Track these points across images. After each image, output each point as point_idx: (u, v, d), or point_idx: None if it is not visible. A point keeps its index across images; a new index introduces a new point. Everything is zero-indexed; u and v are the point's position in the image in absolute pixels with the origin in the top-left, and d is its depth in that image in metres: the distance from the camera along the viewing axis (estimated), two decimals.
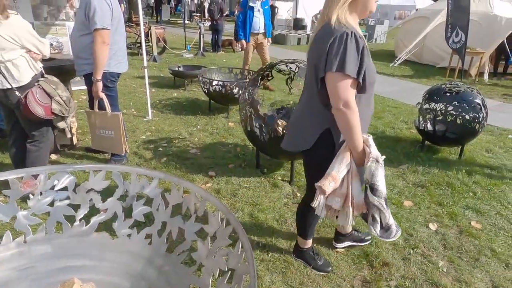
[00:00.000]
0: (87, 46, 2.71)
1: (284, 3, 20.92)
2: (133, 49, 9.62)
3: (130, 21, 15.72)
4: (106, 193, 1.67)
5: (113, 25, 2.76)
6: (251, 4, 5.97)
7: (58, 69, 3.20)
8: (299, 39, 14.56)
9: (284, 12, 21.05)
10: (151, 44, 8.99)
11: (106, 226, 1.75)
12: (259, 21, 6.11)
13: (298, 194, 2.91)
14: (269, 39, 6.49)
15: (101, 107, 2.90)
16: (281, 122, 3.15)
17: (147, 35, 9.25)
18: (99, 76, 2.73)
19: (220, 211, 1.37)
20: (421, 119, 3.98)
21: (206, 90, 4.71)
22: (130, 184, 1.64)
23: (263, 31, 6.25)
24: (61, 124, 2.43)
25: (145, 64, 4.47)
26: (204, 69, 5.17)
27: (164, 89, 6.22)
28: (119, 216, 1.64)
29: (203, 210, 1.47)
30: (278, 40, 14.56)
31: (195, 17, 19.28)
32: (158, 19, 20.78)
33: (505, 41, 8.51)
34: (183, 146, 3.81)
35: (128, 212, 1.64)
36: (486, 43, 8.76)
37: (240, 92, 4.57)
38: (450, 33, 8.67)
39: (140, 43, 9.70)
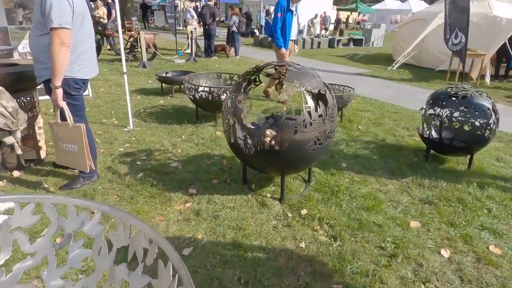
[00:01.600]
0: (46, 48, 2.36)
1: None
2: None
3: (124, 27, 15.46)
4: (35, 231, 1.31)
5: (75, 24, 2.41)
6: (292, 8, 5.27)
7: (20, 75, 2.85)
8: None
9: None
10: (140, 50, 8.66)
11: (34, 274, 1.38)
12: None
13: (289, 215, 2.55)
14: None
15: (64, 117, 2.54)
16: (270, 132, 2.80)
17: (136, 40, 8.94)
18: (58, 82, 2.38)
19: (172, 261, 1.01)
20: (425, 126, 3.64)
21: (191, 97, 4.36)
22: (66, 220, 1.28)
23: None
24: (9, 140, 2.08)
25: (125, 70, 4.13)
26: (190, 74, 4.84)
27: (150, 96, 5.87)
28: (50, 262, 1.28)
29: (153, 257, 1.11)
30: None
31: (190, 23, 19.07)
32: (146, 25, 21.06)
33: (507, 42, 8.23)
34: (164, 159, 3.45)
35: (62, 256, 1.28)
36: (487, 45, 8.48)
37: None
38: (449, 34, 8.39)
39: (130, 48, 9.45)
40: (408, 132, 4.54)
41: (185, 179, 3.04)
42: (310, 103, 2.35)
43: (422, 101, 6.83)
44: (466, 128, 3.32)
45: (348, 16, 31.16)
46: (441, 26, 9.41)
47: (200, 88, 4.21)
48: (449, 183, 3.10)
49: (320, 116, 2.40)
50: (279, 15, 5.28)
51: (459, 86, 3.46)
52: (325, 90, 2.47)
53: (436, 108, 3.44)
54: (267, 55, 12.18)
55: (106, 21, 10.89)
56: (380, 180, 3.16)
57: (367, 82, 8.03)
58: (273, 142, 2.39)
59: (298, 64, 2.59)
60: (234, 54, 11.21)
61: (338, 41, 16.33)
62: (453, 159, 3.64)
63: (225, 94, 4.20)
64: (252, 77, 2.86)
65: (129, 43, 9.26)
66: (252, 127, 2.56)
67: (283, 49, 5.40)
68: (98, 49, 8.75)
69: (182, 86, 6.12)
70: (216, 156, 3.58)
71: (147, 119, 4.68)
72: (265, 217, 2.51)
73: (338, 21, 18.97)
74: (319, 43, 15.50)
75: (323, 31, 19.30)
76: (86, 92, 5.73)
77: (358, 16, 31.72)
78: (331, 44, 16.06)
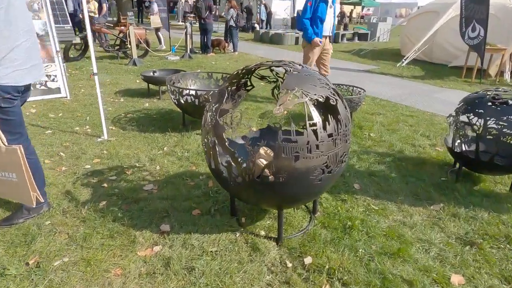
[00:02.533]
0: None
1: (281, 1, 20.00)
2: (112, 52, 8.67)
3: (119, 22, 14.81)
4: None
5: None
6: None
7: None
8: (297, 38, 13.61)
9: (281, 11, 20.13)
10: (130, 46, 8.03)
11: None
12: (330, 20, 4.73)
13: (289, 265, 1.93)
14: (331, 45, 5.02)
15: None
16: (264, 151, 2.18)
17: (126, 36, 8.31)
18: None
19: None
20: (455, 137, 3.00)
21: (175, 101, 3.74)
22: None
23: (330, 34, 4.89)
24: None
25: (95, 70, 3.50)
26: (176, 74, 4.21)
27: (135, 98, 5.25)
28: None
29: None
30: (275, 40, 13.61)
31: (188, 17, 18.39)
32: (140, 19, 20.48)
33: None
34: (137, 180, 2.84)
35: None
36: (506, 39, 7.78)
37: None
38: (465, 27, 7.69)
39: (120, 45, 8.82)
40: (429, 140, 3.90)
41: (159, 209, 2.42)
42: (316, 118, 1.72)
43: (439, 102, 6.22)
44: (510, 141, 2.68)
45: (352, 10, 30.31)
46: (454, 19, 8.72)
47: (185, 91, 3.58)
48: (491, 213, 2.47)
49: (330, 136, 1.77)
50: (309, 4, 4.55)
51: (500, 89, 2.81)
52: (336, 100, 1.84)
53: (470, 116, 2.80)
54: (268, 50, 11.52)
55: (97, 15, 10.26)
56: (402, 208, 2.53)
57: (376, 80, 7.36)
58: (266, 171, 1.76)
59: (300, 65, 1.95)
60: (232, 50, 10.56)
61: (343, 35, 15.60)
62: (487, 177, 3.00)
63: None
64: (242, 81, 2.24)
65: (118, 39, 8.62)
66: (236, 151, 1.94)
67: (316, 39, 4.57)
68: (86, 46, 8.13)
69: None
70: (201, 174, 2.96)
71: (127, 126, 4.06)
72: (256, 269, 1.89)
73: (342, 15, 18.20)
74: None
75: None
76: (63, 94, 5.15)
77: (362, 10, 30.86)
78: (335, 38, 15.33)
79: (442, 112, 5.05)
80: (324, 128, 1.76)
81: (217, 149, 1.86)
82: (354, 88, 4.44)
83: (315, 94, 1.76)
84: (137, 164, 3.13)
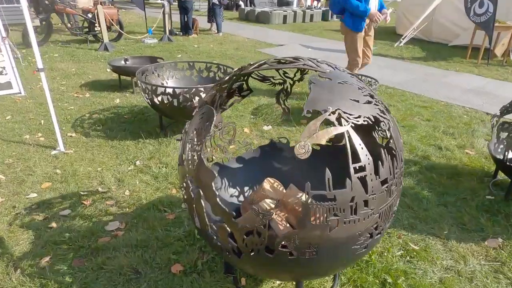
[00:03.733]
0: None
1: None
2: (81, 35, 7.67)
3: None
4: None
5: None
6: None
7: None
8: (284, 16, 12.72)
9: None
10: (99, 29, 7.07)
11: None
12: (374, 1, 3.75)
13: None
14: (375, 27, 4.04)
15: None
16: (269, 184, 1.52)
17: (95, 17, 7.31)
18: None
19: None
20: (502, 143, 2.39)
21: (149, 101, 2.99)
22: None
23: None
24: None
25: (40, 65, 2.70)
26: (148, 66, 3.43)
27: (104, 92, 4.44)
28: None
29: None
30: (261, 19, 12.68)
31: None
32: None
33: None
34: (98, 214, 2.14)
35: None
36: None
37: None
38: (471, 3, 7.02)
39: (89, 27, 7.82)
40: (454, 140, 3.29)
41: (124, 266, 1.74)
42: (365, 158, 1.05)
43: (451, 88, 5.53)
44: None
45: None
46: None
47: (159, 90, 2.83)
48: None
49: (383, 182, 1.11)
50: None
51: None
52: (388, 122, 1.17)
53: None
54: (256, 30, 10.64)
55: None
56: (450, 246, 1.93)
57: (375, 63, 6.67)
58: (284, 242, 1.09)
59: (325, 63, 1.27)
60: (216, 31, 9.65)
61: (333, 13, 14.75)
62: None
63: (197, 97, 2.85)
64: (235, 86, 1.54)
65: (86, 20, 7.62)
66: (232, 211, 1.27)
67: (374, 12, 3.61)
68: (49, 29, 7.12)
69: None
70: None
71: (91, 131, 3.30)
72: None
73: None
74: (311, 16, 13.91)
75: (315, 2, 17.61)
76: (15, 89, 4.28)
77: None
78: (325, 16, 14.48)
79: (458, 102, 4.45)
80: (377, 172, 1.09)
81: (203, 204, 1.18)
82: (363, 77, 3.78)
83: (359, 117, 1.08)
84: (99, 189, 2.41)
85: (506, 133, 2.52)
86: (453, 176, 2.64)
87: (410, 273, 1.73)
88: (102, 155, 2.87)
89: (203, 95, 2.85)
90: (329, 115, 1.05)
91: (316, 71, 1.19)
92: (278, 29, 11.16)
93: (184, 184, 1.27)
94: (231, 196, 1.83)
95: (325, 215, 1.03)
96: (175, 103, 2.83)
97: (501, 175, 2.57)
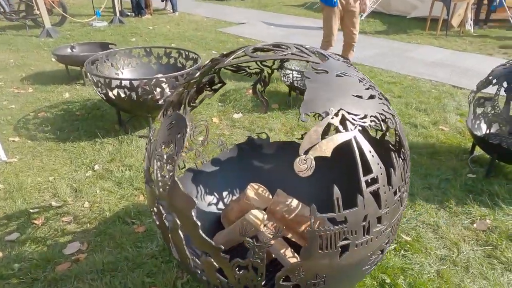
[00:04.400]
0: None
1: None
2: (18, 20, 6.82)
3: None
4: None
5: None
6: None
7: None
8: None
9: None
10: (39, 12, 6.31)
11: None
12: None
13: None
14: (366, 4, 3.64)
15: None
16: (253, 191, 1.33)
17: None
18: None
19: None
20: (480, 120, 2.34)
21: (103, 95, 2.63)
22: None
23: None
24: None
25: None
26: (99, 54, 3.02)
27: (50, 86, 3.94)
28: None
29: None
30: None
31: None
32: None
33: None
34: (54, 235, 1.84)
35: None
36: None
37: (167, 93, 2.57)
38: None
39: (26, 10, 6.96)
40: (428, 116, 3.25)
41: None
42: (377, 168, 0.87)
43: (416, 62, 5.45)
44: None
45: None
46: None
47: (115, 83, 2.49)
48: None
49: (396, 192, 0.94)
50: None
51: None
52: (394, 120, 0.99)
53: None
54: (214, 8, 10.10)
55: None
56: (440, 233, 1.86)
57: (339, 38, 6.56)
58: (287, 274, 0.90)
59: (315, 51, 1.06)
60: (171, 11, 9.04)
61: None
62: None
63: (159, 88, 2.54)
64: (204, 80, 1.30)
65: (22, 2, 6.78)
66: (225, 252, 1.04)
67: (334, 9, 3.32)
68: None
69: None
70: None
71: (38, 133, 2.89)
72: None
73: None
74: None
75: None
76: None
77: None
78: None
79: (424, 76, 4.45)
80: (389, 182, 0.91)
81: (181, 235, 0.95)
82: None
83: (365, 117, 0.89)
84: (53, 203, 2.09)
85: (482, 109, 2.48)
86: (433, 156, 2.59)
87: (407, 269, 1.63)
88: (53, 161, 2.51)
89: (164, 86, 2.55)
90: (332, 118, 0.85)
91: (307, 62, 0.98)
92: (237, 6, 10.68)
93: (155, 209, 1.03)
94: (209, 204, 1.61)
95: (335, 240, 0.85)
96: (134, 97, 2.51)
97: (477, 150, 2.55)
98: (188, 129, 0.90)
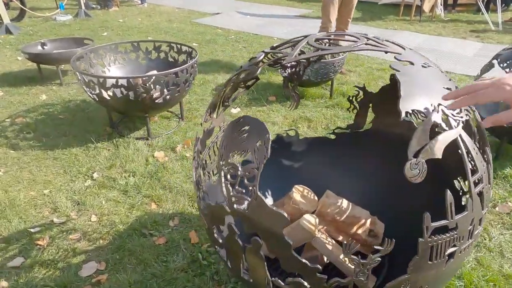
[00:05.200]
0: None
1: None
2: None
3: None
4: None
5: None
6: None
7: None
8: None
9: None
10: None
11: None
12: None
13: None
14: None
15: None
16: (299, 193, 1.25)
17: None
18: None
19: None
20: (486, 106, 2.36)
21: (95, 96, 2.40)
22: None
23: None
24: None
25: None
26: (83, 52, 2.75)
27: (22, 87, 3.58)
28: None
29: None
30: None
31: None
32: None
33: None
34: (63, 258, 1.65)
35: None
36: None
37: (166, 92, 2.39)
38: None
39: None
40: None
41: None
42: (481, 166, 0.80)
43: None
44: None
45: None
46: None
47: (110, 81, 2.27)
48: None
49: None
50: None
51: None
52: (474, 113, 0.92)
53: None
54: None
55: None
56: None
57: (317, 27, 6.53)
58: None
59: (384, 39, 0.97)
60: (140, 2, 8.59)
61: None
62: None
63: (157, 85, 2.35)
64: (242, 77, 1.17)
65: None
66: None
67: None
68: None
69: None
70: (172, 216, 1.88)
71: (20, 142, 2.61)
72: None
73: None
74: None
75: None
76: None
77: None
78: None
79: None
80: (488, 180, 0.84)
81: (262, 255, 0.84)
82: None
83: (460, 111, 0.82)
84: (54, 219, 1.88)
85: None
86: None
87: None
88: (44, 172, 2.27)
89: (162, 86, 2.36)
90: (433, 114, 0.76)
91: (386, 52, 0.89)
92: None
93: (219, 227, 0.90)
94: None
95: (444, 248, 0.77)
96: (131, 96, 2.31)
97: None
98: (270, 136, 0.78)
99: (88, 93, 2.40)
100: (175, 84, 2.40)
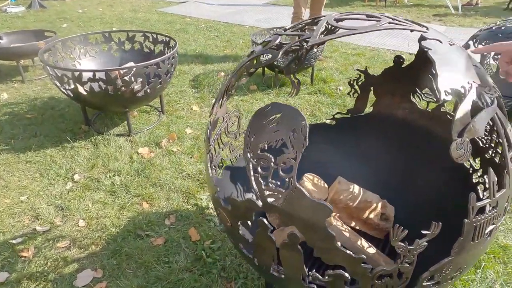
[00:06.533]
0: None
1: None
2: None
3: None
4: None
5: None
6: None
7: None
8: None
9: None
10: None
11: None
12: None
13: None
14: None
15: None
16: (310, 182, 1.23)
17: None
18: None
19: None
20: None
21: (70, 92, 2.22)
22: None
23: None
24: None
25: None
26: (49, 44, 2.52)
27: None
28: None
29: None
30: None
31: None
32: None
33: None
34: (53, 269, 1.52)
35: None
36: None
37: (147, 84, 2.26)
38: None
39: None
40: None
41: None
42: None
43: (367, 33, 5.69)
44: None
45: None
46: None
47: (86, 75, 2.10)
48: None
49: None
50: None
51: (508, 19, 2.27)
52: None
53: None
54: None
55: None
56: None
57: (288, 14, 6.50)
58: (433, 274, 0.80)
59: (404, 18, 0.94)
60: None
61: None
62: None
63: (140, 77, 2.22)
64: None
65: None
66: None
67: None
68: None
69: (37, 59, 3.62)
70: (166, 215, 1.78)
71: None
72: None
73: None
74: None
75: None
76: None
77: None
78: None
79: (381, 46, 4.59)
80: None
81: (300, 250, 0.79)
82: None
83: (490, 89, 0.81)
84: (37, 228, 1.73)
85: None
86: None
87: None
88: (17, 177, 2.08)
89: (144, 78, 2.22)
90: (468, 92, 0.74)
91: (411, 31, 0.86)
92: None
93: (249, 223, 0.84)
94: None
95: (484, 227, 0.77)
96: (111, 90, 2.15)
97: None
98: (306, 123, 0.73)
99: (61, 88, 2.21)
100: (156, 75, 2.27)
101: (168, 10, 6.61)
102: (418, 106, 1.39)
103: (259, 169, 0.78)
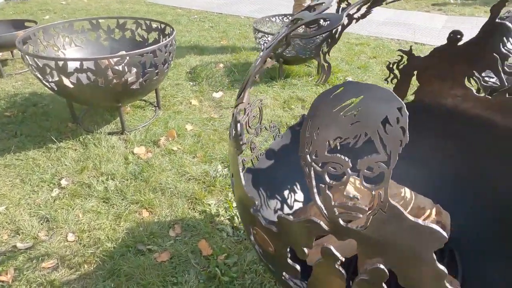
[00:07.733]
0: None
1: None
2: None
3: None
4: None
5: None
6: None
7: None
8: None
9: None
10: None
11: None
12: None
13: None
14: None
15: None
16: (352, 186, 0.99)
17: None
18: None
19: None
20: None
21: (54, 85, 1.94)
22: None
23: None
24: None
25: None
26: (29, 31, 2.23)
27: None
28: None
29: None
30: None
31: None
32: None
33: None
34: None
35: None
36: None
37: (143, 77, 2.00)
38: None
39: None
40: None
41: None
42: None
43: (368, 22, 5.12)
44: None
45: None
46: None
47: (72, 65, 1.82)
48: None
49: None
50: None
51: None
52: None
53: None
54: None
55: None
56: None
57: (282, 5, 6.25)
58: None
59: None
60: None
61: None
62: None
63: (134, 68, 1.95)
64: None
65: None
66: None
67: None
68: None
69: (16, 51, 3.30)
70: (171, 224, 1.54)
71: None
72: None
73: None
74: None
75: None
76: None
77: None
78: None
79: (384, 35, 4.40)
80: None
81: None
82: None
83: None
84: (18, 244, 1.46)
85: None
86: None
87: None
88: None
89: (138, 69, 1.96)
90: None
91: None
92: None
93: (305, 250, 0.61)
94: (276, 211, 1.21)
95: None
96: (101, 83, 1.88)
97: None
98: (405, 109, 0.50)
99: (44, 81, 1.93)
100: (153, 65, 2.01)
101: (158, 1, 6.29)
102: (474, 92, 1.17)
103: (327, 178, 0.55)
